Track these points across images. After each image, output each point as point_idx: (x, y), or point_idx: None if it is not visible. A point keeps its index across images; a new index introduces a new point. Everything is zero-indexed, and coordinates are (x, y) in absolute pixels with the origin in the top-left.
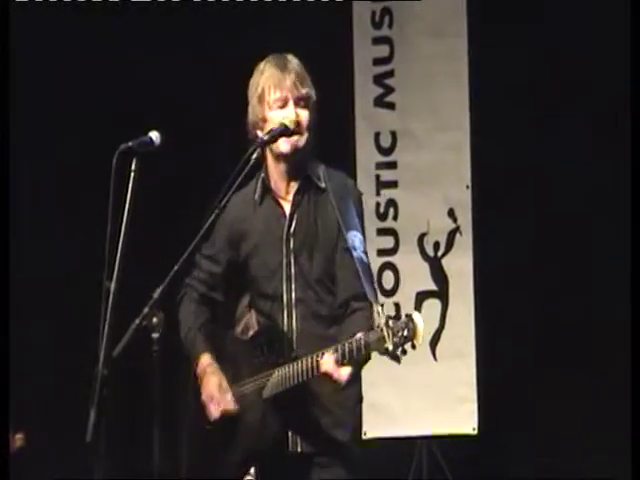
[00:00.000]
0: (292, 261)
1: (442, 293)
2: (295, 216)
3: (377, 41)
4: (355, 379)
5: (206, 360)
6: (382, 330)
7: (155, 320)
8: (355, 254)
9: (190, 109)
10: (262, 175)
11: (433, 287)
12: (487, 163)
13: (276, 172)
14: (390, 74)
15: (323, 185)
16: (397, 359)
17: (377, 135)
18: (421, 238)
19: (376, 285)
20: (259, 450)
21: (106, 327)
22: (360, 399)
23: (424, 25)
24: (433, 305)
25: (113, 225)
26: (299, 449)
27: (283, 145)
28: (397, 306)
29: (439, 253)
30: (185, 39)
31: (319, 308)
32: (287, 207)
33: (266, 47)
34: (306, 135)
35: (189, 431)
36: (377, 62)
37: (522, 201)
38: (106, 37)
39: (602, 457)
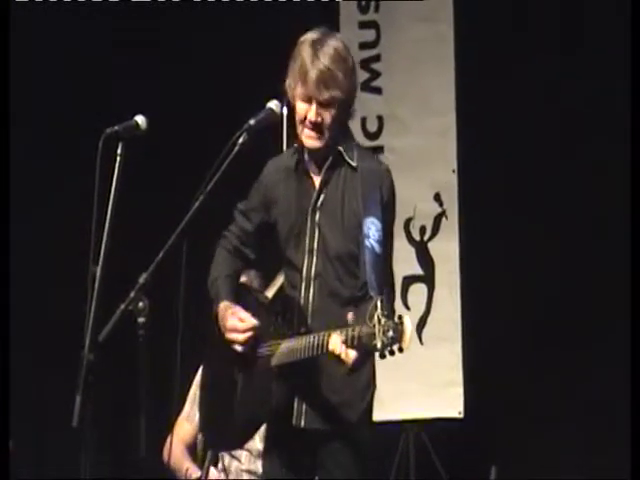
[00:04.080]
0: (316, 234)
1: (428, 277)
2: (324, 190)
3: (363, 25)
4: (364, 364)
5: (224, 303)
6: (374, 326)
7: (141, 305)
8: (367, 242)
9: (184, 98)
10: (296, 145)
11: (419, 271)
12: (473, 147)
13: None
14: (376, 59)
15: (355, 164)
16: (382, 356)
17: (364, 120)
18: (407, 222)
19: (385, 276)
20: (263, 417)
21: (92, 312)
22: (372, 384)
23: (411, 9)
24: (419, 289)
25: (99, 210)
26: (302, 424)
27: (306, 141)
28: None
29: (425, 237)
30: (181, 36)
31: (337, 287)
32: (317, 180)
33: (251, 33)
34: (327, 135)
35: (201, 392)
36: (363, 46)
37: (508, 185)
38: (106, 37)
39: (589, 441)
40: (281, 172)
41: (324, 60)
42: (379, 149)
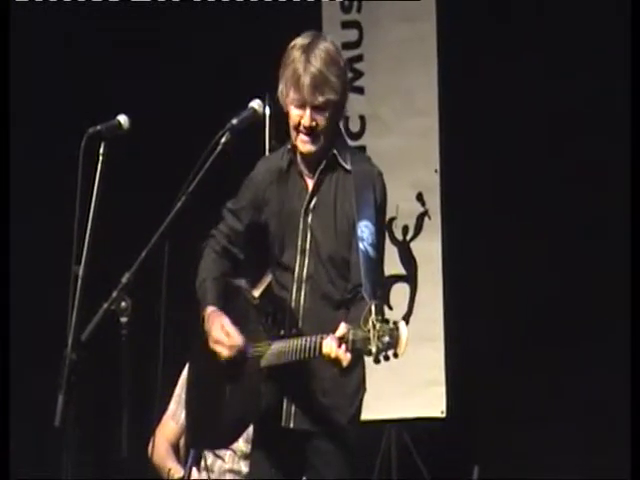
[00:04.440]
0: (308, 236)
1: (411, 277)
2: (317, 193)
3: (346, 25)
4: (355, 366)
5: (211, 309)
6: (369, 330)
7: (124, 304)
8: (361, 245)
9: (184, 98)
10: (289, 146)
11: (402, 271)
12: (456, 147)
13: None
14: (359, 58)
15: (349, 167)
16: (377, 360)
17: (346, 120)
18: (390, 222)
19: (378, 279)
20: (251, 418)
21: (74, 312)
22: (362, 387)
23: (393, 9)
24: (402, 289)
25: (81, 210)
26: (292, 424)
27: (301, 146)
28: None
29: (408, 237)
30: (181, 36)
31: (329, 289)
32: (310, 182)
33: (235, 34)
34: (322, 139)
35: (188, 390)
36: (346, 46)
37: (491, 185)
38: (106, 37)
39: (589, 441)
40: (273, 172)
41: (316, 63)
42: (362, 149)
